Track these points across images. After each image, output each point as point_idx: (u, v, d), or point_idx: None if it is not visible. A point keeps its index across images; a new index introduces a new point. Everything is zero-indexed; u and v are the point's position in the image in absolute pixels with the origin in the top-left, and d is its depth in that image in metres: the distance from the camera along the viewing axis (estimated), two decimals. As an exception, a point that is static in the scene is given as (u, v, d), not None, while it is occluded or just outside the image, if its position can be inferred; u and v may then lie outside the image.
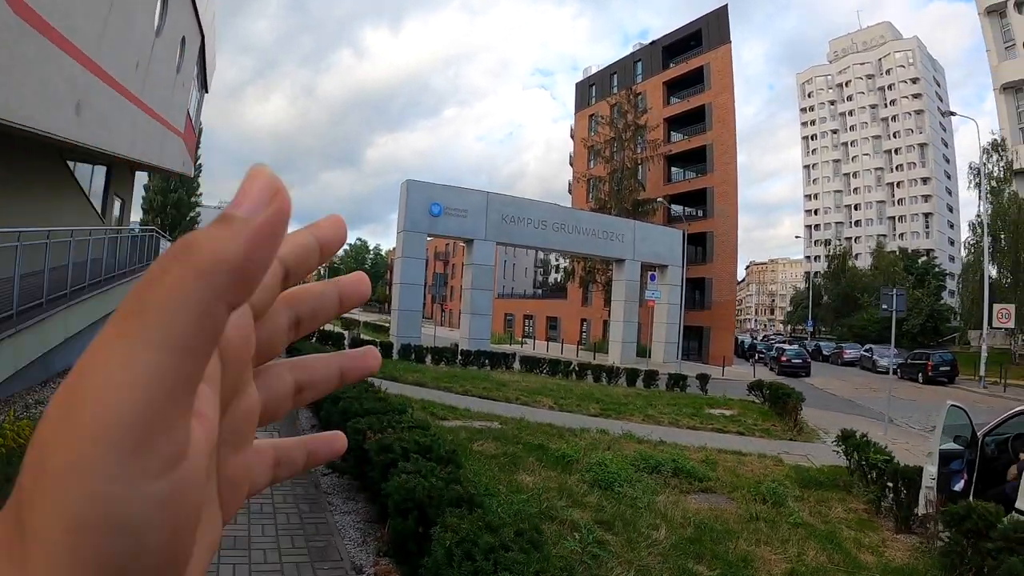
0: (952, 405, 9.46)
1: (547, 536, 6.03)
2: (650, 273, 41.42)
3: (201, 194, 60.55)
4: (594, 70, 68.29)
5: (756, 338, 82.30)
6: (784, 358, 44.96)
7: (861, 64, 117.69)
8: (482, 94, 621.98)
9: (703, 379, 26.13)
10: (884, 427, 19.18)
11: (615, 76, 62.66)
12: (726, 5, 54.81)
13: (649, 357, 40.32)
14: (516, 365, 28.21)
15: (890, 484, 9.84)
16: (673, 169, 58.25)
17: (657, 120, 54.95)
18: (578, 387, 23.35)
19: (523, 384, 21.96)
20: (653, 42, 60.69)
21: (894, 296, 21.13)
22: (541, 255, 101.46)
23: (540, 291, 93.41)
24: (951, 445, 9.21)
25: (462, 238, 35.97)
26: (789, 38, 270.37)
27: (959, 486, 9.12)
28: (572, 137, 68.27)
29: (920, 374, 39.45)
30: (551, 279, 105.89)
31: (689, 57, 56.31)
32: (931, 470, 8.94)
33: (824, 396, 29.66)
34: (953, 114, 45.07)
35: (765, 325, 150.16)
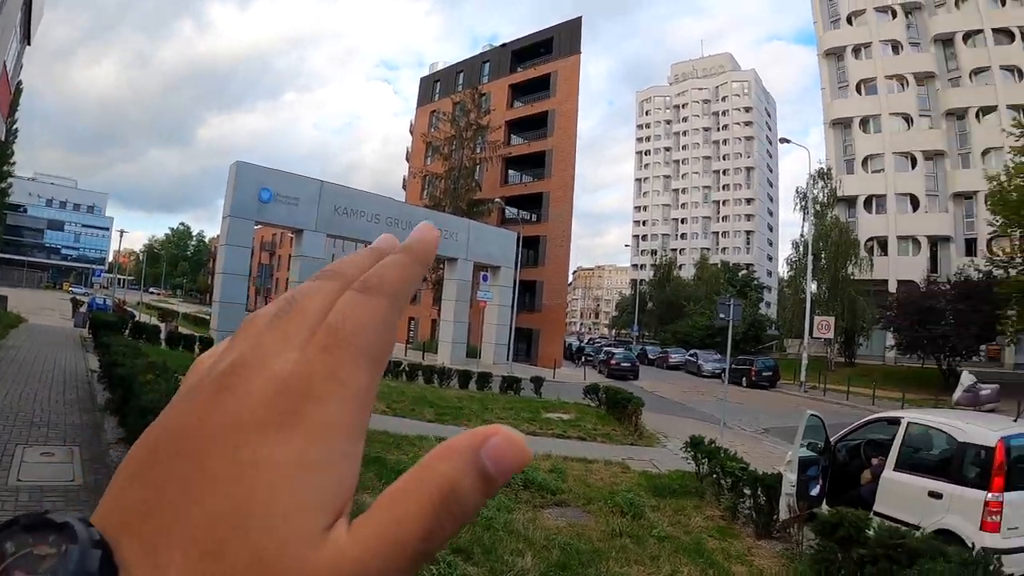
0: (811, 414, 9.61)
1: None
2: (482, 274, 41.41)
3: (15, 163, 52.65)
4: (441, 67, 67.63)
5: (583, 341, 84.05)
6: (613, 361, 45.37)
7: (699, 89, 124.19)
8: (325, 81, 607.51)
9: (537, 382, 25.76)
10: (720, 430, 19.66)
11: (461, 74, 62.18)
12: (580, 17, 55.92)
13: (479, 358, 40.13)
14: None
15: (747, 491, 9.90)
16: (511, 172, 58.23)
17: (499, 122, 54.95)
18: (410, 389, 22.53)
19: None
20: (504, 44, 60.76)
21: (731, 306, 21.57)
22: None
23: None
24: (807, 452, 9.37)
25: (292, 228, 34.05)
26: (634, 59, 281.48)
27: (816, 491, 9.30)
28: (411, 132, 66.71)
29: (744, 378, 41.03)
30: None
31: (538, 63, 56.64)
32: (791, 477, 9.06)
33: (655, 399, 30.18)
34: (787, 141, 47.61)
35: (590, 329, 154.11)
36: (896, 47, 61.07)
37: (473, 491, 0.34)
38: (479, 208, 50.84)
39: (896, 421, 9.41)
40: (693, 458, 11.84)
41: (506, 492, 9.75)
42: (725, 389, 23.42)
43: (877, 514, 8.06)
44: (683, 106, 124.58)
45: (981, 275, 40.99)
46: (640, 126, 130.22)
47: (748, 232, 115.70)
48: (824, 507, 8.65)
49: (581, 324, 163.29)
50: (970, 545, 6.90)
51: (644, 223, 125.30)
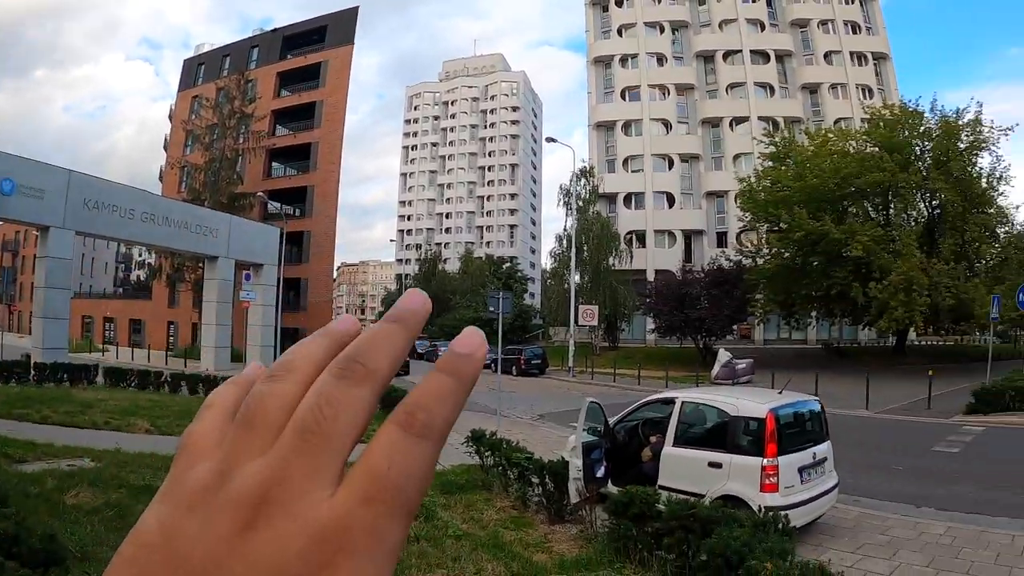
0: (590, 400, 9.83)
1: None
2: (244, 272, 39.00)
3: None
4: (207, 49, 63.32)
5: None
6: None
7: (469, 87, 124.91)
8: (81, 58, 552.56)
9: None
10: (497, 420, 19.61)
11: (228, 59, 58.31)
12: (356, 8, 54.78)
13: (245, 362, 38.09)
14: (100, 379, 24.24)
15: (535, 480, 9.97)
16: (275, 164, 55.81)
17: (265, 111, 52.09)
18: (174, 402, 20.63)
19: (112, 403, 18.79)
20: (275, 29, 58.11)
21: (500, 299, 21.72)
22: (123, 249, 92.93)
23: (122, 290, 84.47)
24: (588, 436, 9.59)
25: (37, 224, 29.52)
26: (408, 54, 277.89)
27: (601, 473, 9.58)
28: (171, 119, 61.62)
29: (514, 367, 41.07)
30: (133, 276, 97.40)
31: (309, 51, 54.61)
32: (577, 462, 9.18)
33: (428, 393, 29.73)
34: (553, 140, 50.00)
35: None
36: (661, 59, 66.05)
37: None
38: (240, 202, 47.92)
39: (670, 401, 10.22)
40: (476, 452, 11.72)
41: None
42: (498, 379, 23.41)
43: (662, 487, 8.59)
44: (452, 103, 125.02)
45: (732, 264, 45.76)
46: (408, 120, 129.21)
47: (512, 226, 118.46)
48: (610, 487, 9.31)
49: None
50: (754, 506, 7.68)
51: (409, 217, 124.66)
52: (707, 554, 6.06)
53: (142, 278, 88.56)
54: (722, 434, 9.16)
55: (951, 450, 15.92)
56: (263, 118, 51.05)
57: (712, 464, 8.91)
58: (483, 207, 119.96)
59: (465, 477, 11.71)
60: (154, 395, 22.56)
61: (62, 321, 29.89)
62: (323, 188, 51.54)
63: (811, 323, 48.07)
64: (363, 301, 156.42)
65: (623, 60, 66.29)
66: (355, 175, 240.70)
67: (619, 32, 67.03)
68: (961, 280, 34.23)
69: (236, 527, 0.32)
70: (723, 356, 34.86)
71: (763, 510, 7.31)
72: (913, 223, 39.90)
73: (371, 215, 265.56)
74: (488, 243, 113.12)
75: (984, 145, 38.24)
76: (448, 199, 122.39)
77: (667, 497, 7.56)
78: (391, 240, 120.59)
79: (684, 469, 9.18)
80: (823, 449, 9.39)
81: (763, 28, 64.96)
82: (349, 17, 54.61)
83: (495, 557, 7.77)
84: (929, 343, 52.50)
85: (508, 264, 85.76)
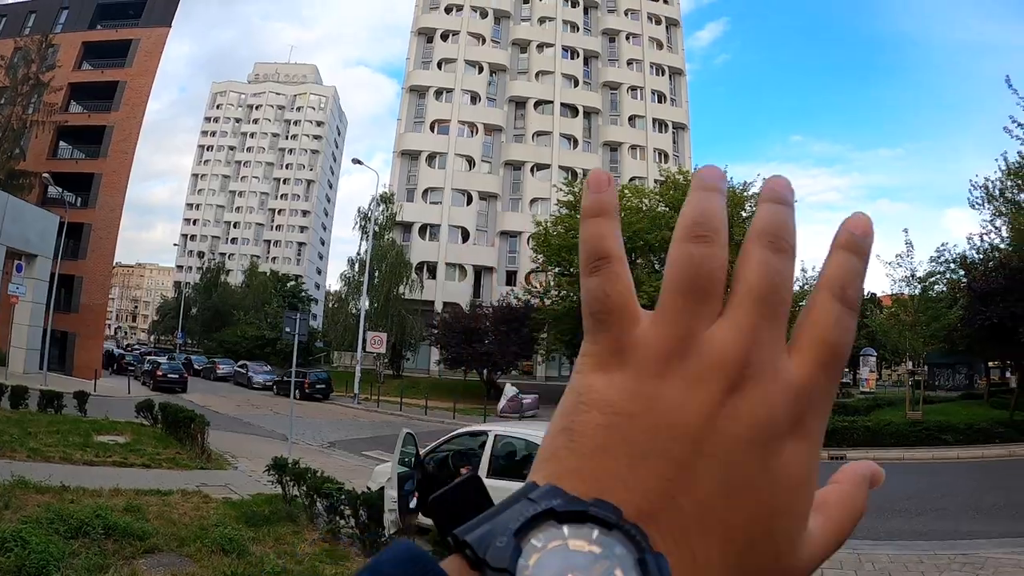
0: (406, 432, 9.92)
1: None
2: (17, 263, 34.88)
3: None
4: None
5: (124, 347, 76.72)
6: (160, 372, 41.66)
7: (277, 94, 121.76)
8: None
9: (82, 398, 22.37)
10: (289, 446, 19.06)
11: (34, 16, 51.53)
12: None
13: (7, 366, 34.00)
14: None
15: (348, 511, 9.91)
16: (62, 143, 50.26)
17: (62, 82, 46.73)
18: None
19: None
20: None
21: (296, 320, 20.87)
22: None
23: None
24: (402, 468, 9.68)
25: None
26: (221, 48, 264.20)
27: (414, 503, 9.59)
28: None
29: (298, 391, 40.20)
30: None
31: (121, 26, 50.11)
32: (392, 494, 9.29)
33: (210, 414, 28.08)
34: (359, 162, 48.66)
35: (127, 333, 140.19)
36: (475, 98, 67.83)
37: (865, 510, 0.42)
38: (19, 181, 43.07)
39: (482, 434, 10.90)
40: (279, 481, 11.45)
41: (86, 544, 8.07)
42: (291, 403, 22.72)
43: None
44: (257, 107, 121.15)
45: (520, 303, 47.05)
46: (209, 119, 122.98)
47: (301, 244, 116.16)
48: (420, 517, 9.40)
49: (117, 327, 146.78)
50: None
51: (195, 222, 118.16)
52: None
53: None
54: None
55: None
56: (59, 89, 46.22)
57: None
58: (273, 220, 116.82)
59: (268, 508, 11.21)
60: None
61: None
62: (112, 178, 47.16)
63: (593, 363, 50.35)
64: (135, 307, 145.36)
65: (438, 93, 67.51)
66: (143, 169, 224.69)
67: (439, 65, 68.25)
68: (729, 333, 37.43)
69: (723, 389, 0.35)
70: (509, 391, 35.88)
71: None
72: (694, 279, 42.94)
73: (154, 214, 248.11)
74: (275, 258, 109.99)
75: None
76: (238, 208, 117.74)
77: None
78: (174, 244, 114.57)
79: (499, 499, 9.37)
80: None
81: (576, 84, 69.08)
82: (171, -3, 51.24)
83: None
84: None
85: (293, 282, 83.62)
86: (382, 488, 10.03)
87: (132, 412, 21.15)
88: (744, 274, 0.40)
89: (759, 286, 0.38)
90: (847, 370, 56.70)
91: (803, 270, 47.88)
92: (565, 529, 0.30)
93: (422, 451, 10.75)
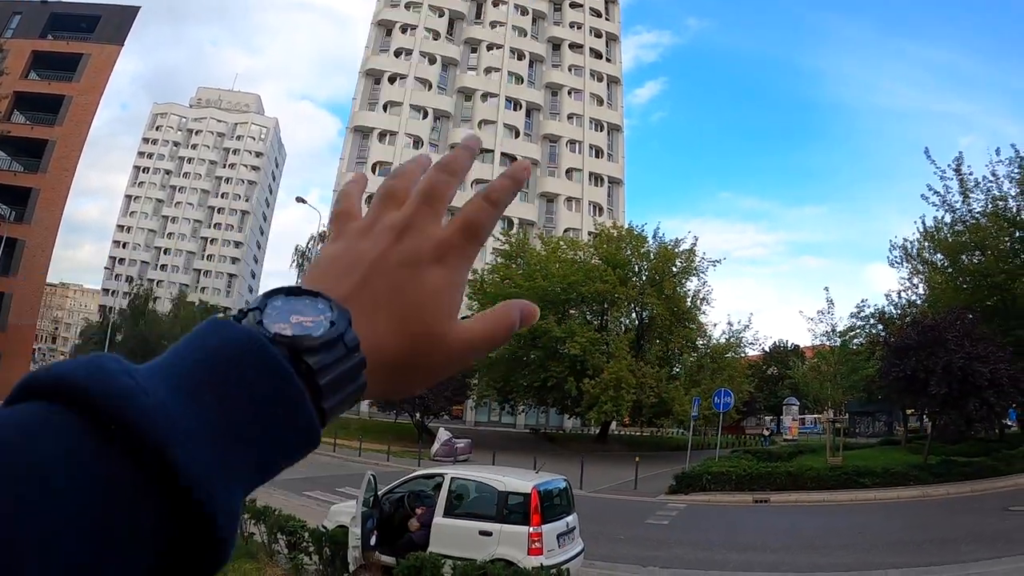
0: (370, 475, 10.68)
1: None
2: None
3: None
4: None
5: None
6: None
7: (219, 121, 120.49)
8: None
9: None
10: None
11: None
12: (138, 8, 51.30)
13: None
14: None
15: (312, 548, 10.43)
16: (0, 153, 48.34)
17: (7, 90, 45.11)
18: None
19: None
20: (45, 1, 51.26)
21: None
22: None
23: None
24: (362, 508, 10.34)
25: None
26: (166, 69, 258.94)
27: (374, 541, 10.36)
28: None
29: None
30: None
31: (75, 38, 49.30)
32: (356, 531, 9.97)
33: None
34: (303, 201, 48.69)
35: (45, 355, 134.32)
36: (418, 142, 69.08)
37: (514, 326, 0.66)
38: (-47, 189, 41.54)
39: (436, 476, 11.65)
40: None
41: None
42: None
43: (434, 554, 9.43)
44: (197, 132, 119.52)
45: None
46: (147, 140, 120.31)
47: (232, 275, 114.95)
48: (378, 554, 10.25)
49: (37, 349, 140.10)
50: (522, 567, 8.88)
51: (125, 245, 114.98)
52: None
53: None
54: (491, 506, 10.56)
55: (662, 522, 18.81)
56: (4, 98, 44.93)
57: (483, 532, 10.21)
58: (205, 250, 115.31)
59: None
60: None
61: None
62: (50, 195, 46.35)
63: (524, 409, 51.26)
64: (56, 329, 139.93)
65: (382, 135, 68.85)
66: (75, 184, 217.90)
67: (384, 107, 69.58)
68: (663, 382, 39.26)
69: (392, 240, 0.63)
70: (443, 435, 36.38)
71: (541, 568, 8.71)
72: (625, 330, 44.67)
73: (81, 233, 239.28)
74: (204, 288, 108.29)
75: (695, 272, 44.81)
76: (170, 234, 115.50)
77: (450, 563, 8.71)
78: (105, 267, 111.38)
79: (456, 537, 10.29)
80: (572, 519, 11.22)
81: (517, 135, 71.40)
82: (127, 16, 50.98)
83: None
84: (628, 433, 57.69)
85: (222, 315, 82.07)
86: (342, 526, 10.78)
87: None
88: (420, 185, 0.68)
89: (422, 189, 0.68)
90: (770, 418, 59.35)
91: (729, 323, 50.19)
92: (291, 296, 0.54)
93: (382, 491, 11.50)
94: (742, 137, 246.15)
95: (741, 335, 45.71)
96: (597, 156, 73.23)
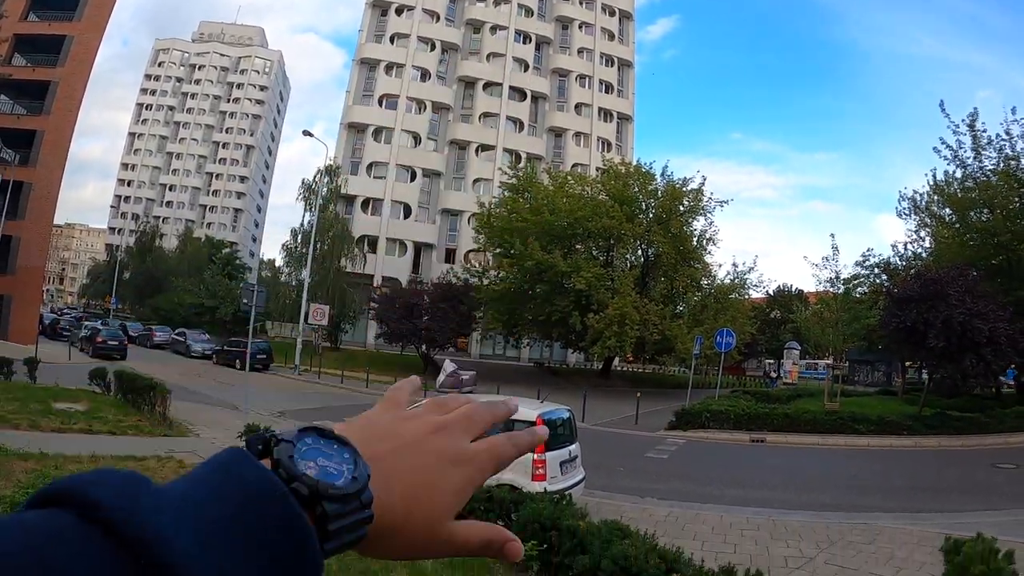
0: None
1: None
2: None
3: None
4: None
5: (58, 312, 74.51)
6: (100, 339, 40.88)
7: (222, 55, 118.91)
8: None
9: (32, 365, 22.28)
10: (244, 413, 19.64)
11: None
12: None
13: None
14: None
15: None
16: (3, 97, 47.70)
17: (7, 33, 43.71)
18: None
19: None
20: None
21: (255, 291, 21.63)
22: None
23: None
24: None
25: None
26: (167, 3, 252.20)
27: None
28: None
29: (238, 360, 39.00)
30: None
31: None
32: None
33: (155, 384, 28.23)
34: (309, 134, 47.44)
35: (54, 296, 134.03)
36: (425, 75, 68.33)
37: (494, 551, 0.71)
38: (-43, 135, 41.04)
39: None
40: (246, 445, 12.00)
41: None
42: (246, 374, 23.12)
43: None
44: (200, 67, 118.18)
45: (460, 281, 47.80)
46: (149, 76, 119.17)
47: (237, 210, 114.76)
48: None
49: (46, 290, 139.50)
50: (526, 491, 8.97)
51: (130, 183, 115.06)
52: (524, 522, 7.36)
53: None
54: (497, 433, 10.72)
55: (661, 456, 19.12)
56: (4, 41, 43.44)
57: None
58: (210, 185, 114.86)
59: None
60: None
61: None
62: (54, 136, 45.55)
63: (528, 343, 51.61)
64: (63, 269, 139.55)
65: (389, 67, 67.63)
66: (77, 123, 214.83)
67: (391, 39, 68.23)
68: (667, 320, 39.12)
69: (429, 431, 0.71)
70: (448, 366, 36.73)
71: (545, 493, 8.80)
72: (630, 266, 44.32)
73: (85, 172, 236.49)
74: (210, 224, 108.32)
75: (702, 212, 44.31)
76: (175, 170, 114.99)
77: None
78: (111, 206, 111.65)
79: None
80: (575, 448, 11.56)
81: (527, 69, 69.99)
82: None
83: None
84: (630, 370, 58.49)
85: (228, 250, 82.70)
86: None
87: (79, 379, 21.18)
88: (465, 408, 0.78)
89: (464, 410, 0.77)
90: (771, 361, 59.91)
91: (734, 264, 50.01)
92: (322, 438, 0.61)
93: None
94: (756, 78, 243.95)
95: (746, 277, 45.63)
96: (607, 92, 71.98)
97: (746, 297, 47.11)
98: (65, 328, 52.58)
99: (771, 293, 62.77)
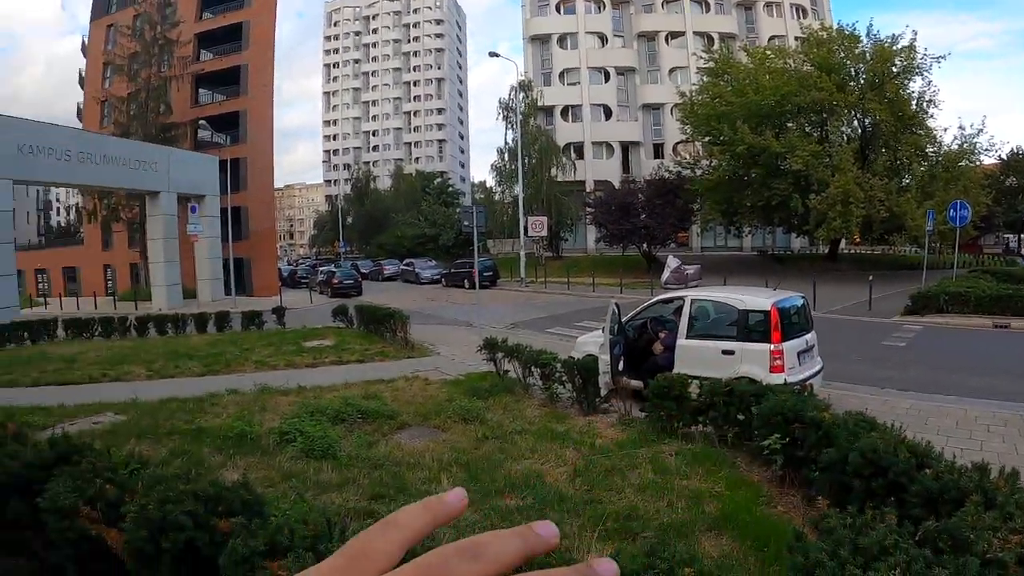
0: (614, 304, 11.08)
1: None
2: (191, 205, 37.50)
3: None
4: (117, -26, 57.64)
5: (294, 264, 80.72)
6: (336, 280, 44.24)
7: (390, 1, 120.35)
8: None
9: (280, 312, 24.61)
10: (480, 329, 20.27)
11: None
12: None
13: (197, 298, 37.76)
14: (61, 332, 22.81)
15: (565, 378, 10.85)
16: (202, 90, 52.27)
17: (188, 35, 47.98)
18: (153, 345, 20.23)
19: (93, 355, 18.30)
20: None
21: (474, 212, 23.03)
22: (43, 194, 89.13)
23: (42, 239, 77.68)
24: (609, 336, 10.86)
25: None
26: None
27: (622, 366, 11.00)
28: (84, 52, 55.68)
29: (466, 280, 41.10)
30: (55, 223, 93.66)
31: None
32: (604, 358, 10.69)
33: (391, 311, 29.81)
34: (496, 55, 50.44)
35: (287, 251, 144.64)
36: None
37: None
38: (172, 133, 45.74)
39: (675, 300, 11.80)
40: (491, 359, 12.72)
41: (350, 428, 9.61)
42: (476, 292, 23.62)
43: (681, 375, 9.56)
44: (374, 17, 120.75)
45: (673, 175, 46.75)
46: (328, 38, 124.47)
47: (440, 141, 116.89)
48: (626, 379, 10.62)
49: (279, 247, 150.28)
50: (765, 384, 8.65)
51: (335, 137, 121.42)
52: (765, 416, 7.14)
53: (63, 224, 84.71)
54: (733, 325, 10.56)
55: (898, 344, 17.58)
56: (188, 43, 47.75)
57: (725, 352, 10.35)
58: (410, 123, 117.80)
59: (486, 383, 12.25)
60: (126, 341, 22.12)
61: (8, 277, 28.65)
62: (256, 112, 48.66)
63: (750, 231, 49.48)
64: (291, 226, 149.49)
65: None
66: (277, 98, 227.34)
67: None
68: (893, 194, 35.49)
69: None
70: (672, 262, 36.10)
71: (785, 385, 8.45)
72: (847, 140, 40.80)
73: (291, 138, 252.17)
74: (417, 159, 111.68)
75: (917, 70, 38.89)
76: (374, 116, 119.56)
77: (695, 382, 8.88)
78: (323, 161, 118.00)
79: (699, 358, 10.45)
80: (811, 337, 11.05)
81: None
82: (271, -67, 50.41)
83: (562, 445, 8.63)
84: (857, 252, 54.56)
85: (439, 179, 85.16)
86: (590, 355, 11.06)
87: (323, 319, 23.34)
88: (479, 538, 0.56)
89: (471, 543, 0.53)
90: (1011, 236, 53.21)
91: (960, 128, 44.03)
92: None
93: (626, 318, 11.88)
94: None
95: (975, 140, 39.64)
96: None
97: (977, 164, 41.35)
98: (303, 276, 56.53)
99: (1004, 158, 54.80)
